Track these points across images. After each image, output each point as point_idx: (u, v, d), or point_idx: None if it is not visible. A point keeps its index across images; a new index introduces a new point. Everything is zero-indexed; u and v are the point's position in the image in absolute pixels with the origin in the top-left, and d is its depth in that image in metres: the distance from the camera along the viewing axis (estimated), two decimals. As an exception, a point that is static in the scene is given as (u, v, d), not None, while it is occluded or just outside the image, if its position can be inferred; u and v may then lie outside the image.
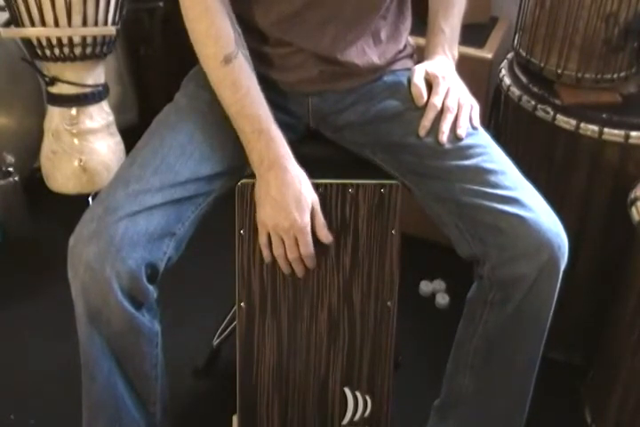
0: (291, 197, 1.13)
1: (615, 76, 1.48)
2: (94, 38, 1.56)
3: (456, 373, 1.26)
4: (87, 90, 1.61)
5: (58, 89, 1.61)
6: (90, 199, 1.74)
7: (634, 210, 1.33)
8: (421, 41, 1.36)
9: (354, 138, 1.29)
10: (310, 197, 1.15)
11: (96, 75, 1.63)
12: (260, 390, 1.28)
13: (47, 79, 1.60)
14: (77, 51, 1.55)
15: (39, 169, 1.73)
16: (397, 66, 1.32)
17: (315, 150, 1.31)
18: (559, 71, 1.48)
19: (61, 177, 1.66)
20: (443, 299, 1.85)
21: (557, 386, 1.57)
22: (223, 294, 1.46)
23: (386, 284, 1.23)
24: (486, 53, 1.77)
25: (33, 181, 1.88)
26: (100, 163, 1.65)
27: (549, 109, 1.46)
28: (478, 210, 1.13)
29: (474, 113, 1.24)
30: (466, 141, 1.19)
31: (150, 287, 1.13)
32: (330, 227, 1.18)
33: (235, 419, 1.33)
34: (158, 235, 1.11)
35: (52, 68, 1.60)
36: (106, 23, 1.57)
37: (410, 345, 1.69)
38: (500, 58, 1.69)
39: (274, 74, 1.26)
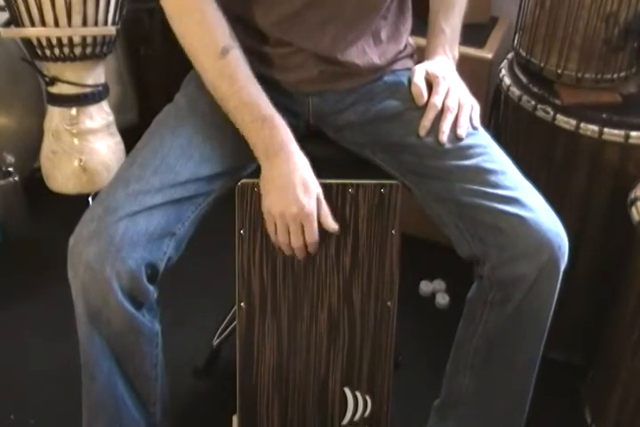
0: (298, 181, 1.11)
1: (615, 76, 1.48)
2: (94, 38, 1.56)
3: (456, 373, 1.26)
4: (87, 90, 1.61)
5: (58, 89, 1.61)
6: (90, 199, 1.73)
7: (634, 210, 1.33)
8: (422, 41, 1.37)
9: (354, 138, 1.29)
10: (316, 183, 1.14)
11: (96, 75, 1.63)
12: (260, 390, 1.28)
13: (47, 79, 1.60)
14: (77, 51, 1.56)
15: (39, 169, 1.73)
16: (398, 66, 1.32)
17: (315, 150, 1.30)
18: (559, 71, 1.48)
19: (61, 177, 1.66)
20: (443, 299, 1.85)
21: (557, 386, 1.57)
22: (223, 294, 1.45)
23: (386, 284, 1.23)
24: (486, 53, 1.77)
25: (33, 181, 1.88)
26: (100, 163, 1.65)
27: (549, 109, 1.46)
28: (478, 210, 1.13)
29: (474, 113, 1.24)
30: (466, 141, 1.19)
31: (150, 287, 1.13)
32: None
33: (235, 419, 1.32)
34: (158, 235, 1.11)
35: (52, 68, 1.60)
36: (106, 23, 1.57)
37: (410, 345, 1.69)
38: (500, 58, 1.69)
39: (274, 74, 1.26)
